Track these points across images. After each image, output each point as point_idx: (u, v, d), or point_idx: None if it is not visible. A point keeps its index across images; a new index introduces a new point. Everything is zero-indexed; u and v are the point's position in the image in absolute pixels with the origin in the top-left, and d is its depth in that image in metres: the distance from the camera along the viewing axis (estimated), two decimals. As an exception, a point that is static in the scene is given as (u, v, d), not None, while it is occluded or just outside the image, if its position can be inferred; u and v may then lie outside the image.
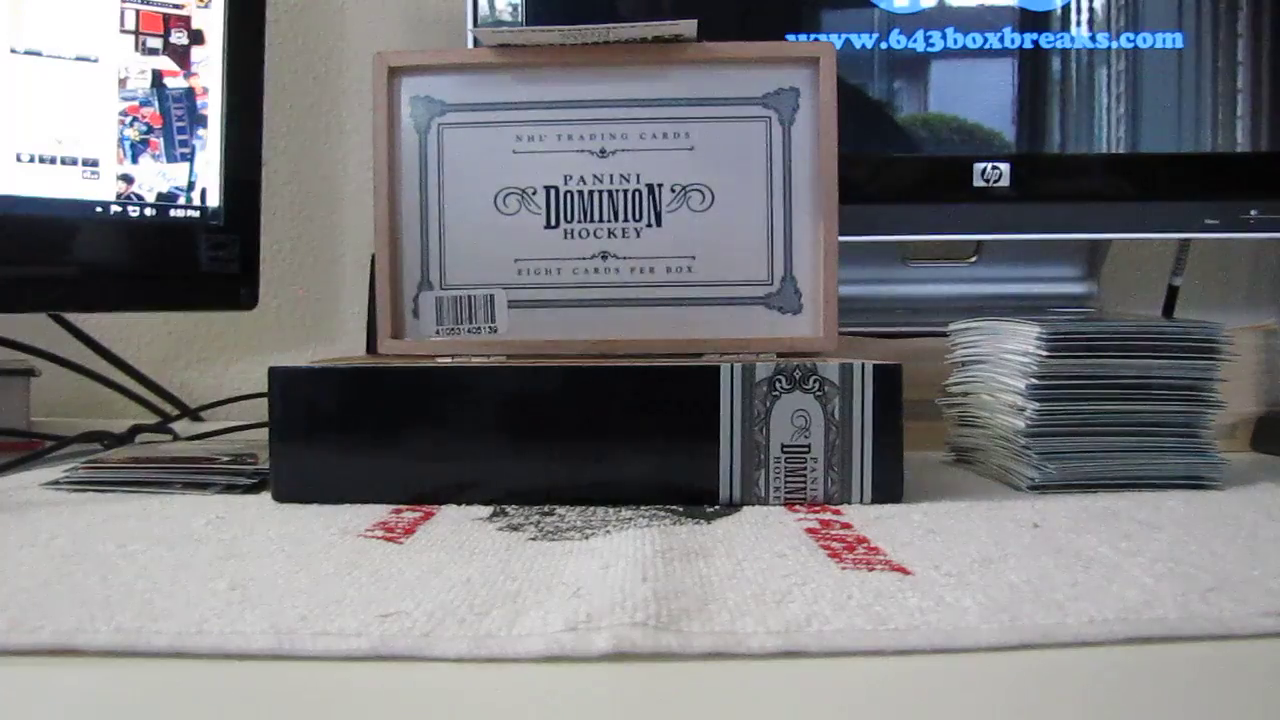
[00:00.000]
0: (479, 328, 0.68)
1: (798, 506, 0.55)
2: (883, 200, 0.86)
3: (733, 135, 0.67)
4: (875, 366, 0.55)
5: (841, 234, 0.66)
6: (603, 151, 0.67)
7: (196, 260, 0.84)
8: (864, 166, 0.86)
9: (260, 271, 0.89)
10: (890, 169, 0.89)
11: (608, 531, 0.48)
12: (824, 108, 0.66)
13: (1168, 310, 0.95)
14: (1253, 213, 0.84)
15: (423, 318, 0.68)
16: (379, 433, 0.56)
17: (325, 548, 0.46)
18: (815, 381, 0.55)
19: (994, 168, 0.86)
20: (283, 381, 0.56)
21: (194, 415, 0.95)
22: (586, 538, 0.47)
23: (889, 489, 0.55)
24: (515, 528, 0.49)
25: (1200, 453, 0.62)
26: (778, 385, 0.55)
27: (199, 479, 0.61)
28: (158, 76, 0.81)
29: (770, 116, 0.66)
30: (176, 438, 0.81)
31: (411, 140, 0.67)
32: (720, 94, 0.67)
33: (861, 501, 0.55)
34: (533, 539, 0.47)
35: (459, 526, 0.50)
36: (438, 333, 0.68)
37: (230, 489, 0.60)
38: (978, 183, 0.86)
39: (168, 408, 0.96)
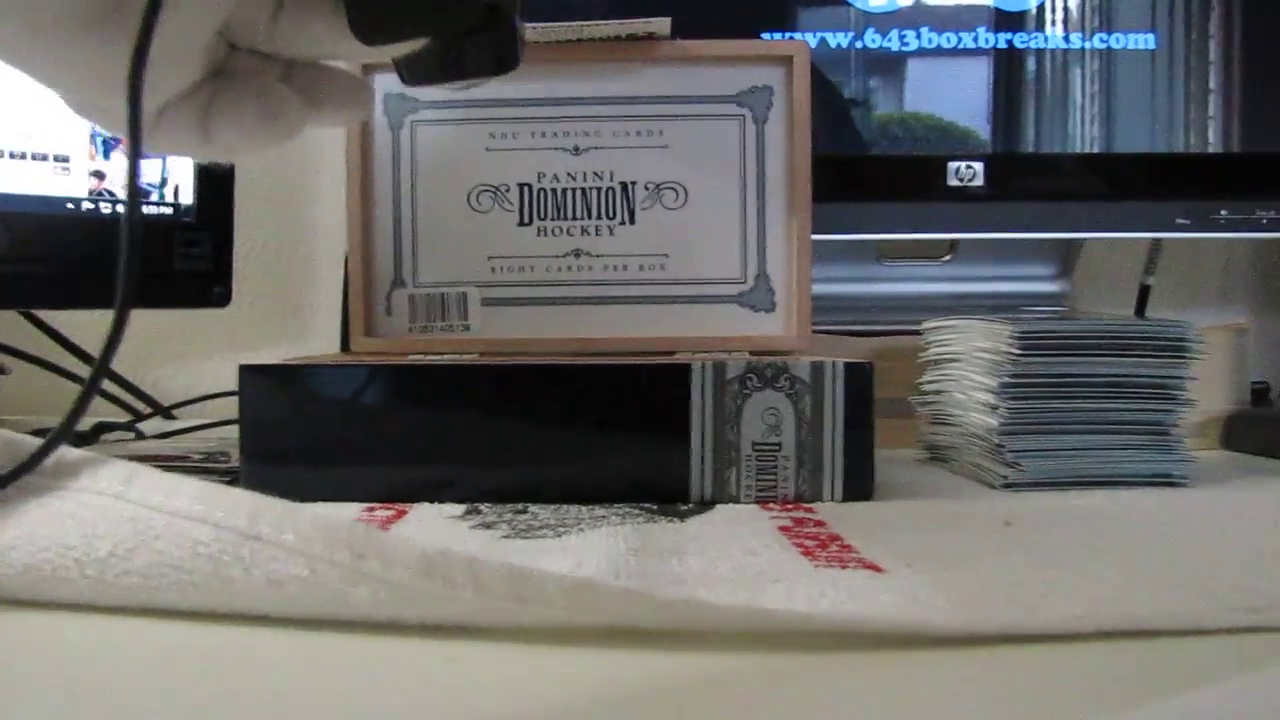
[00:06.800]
0: (452, 325, 0.67)
1: (771, 504, 0.55)
2: (857, 198, 0.87)
3: (706, 133, 0.67)
4: (846, 364, 0.55)
5: (816, 232, 0.67)
6: (576, 149, 0.67)
7: (169, 258, 0.84)
8: (838, 164, 0.86)
9: (234, 269, 0.88)
10: (865, 167, 0.89)
11: (581, 530, 0.48)
12: (797, 106, 0.66)
13: (1140, 309, 0.96)
14: (1223, 213, 0.85)
15: (396, 315, 0.68)
16: (351, 431, 0.55)
17: (296, 546, 0.45)
18: (786, 380, 0.55)
19: (968, 167, 0.86)
20: (254, 379, 0.56)
21: (166, 413, 0.95)
22: (560, 536, 0.47)
23: (860, 487, 0.55)
24: (488, 526, 0.49)
25: (1171, 451, 0.62)
26: (749, 383, 0.55)
27: (170, 477, 0.60)
28: (129, 72, 0.81)
29: (744, 115, 0.67)
30: (140, 436, 0.81)
31: (384, 137, 0.67)
32: (694, 92, 0.67)
33: (833, 499, 0.55)
34: (506, 537, 0.47)
35: (432, 525, 0.50)
36: (411, 330, 0.68)
37: (201, 487, 0.60)
38: (952, 182, 0.86)
39: (140, 405, 0.95)
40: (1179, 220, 0.85)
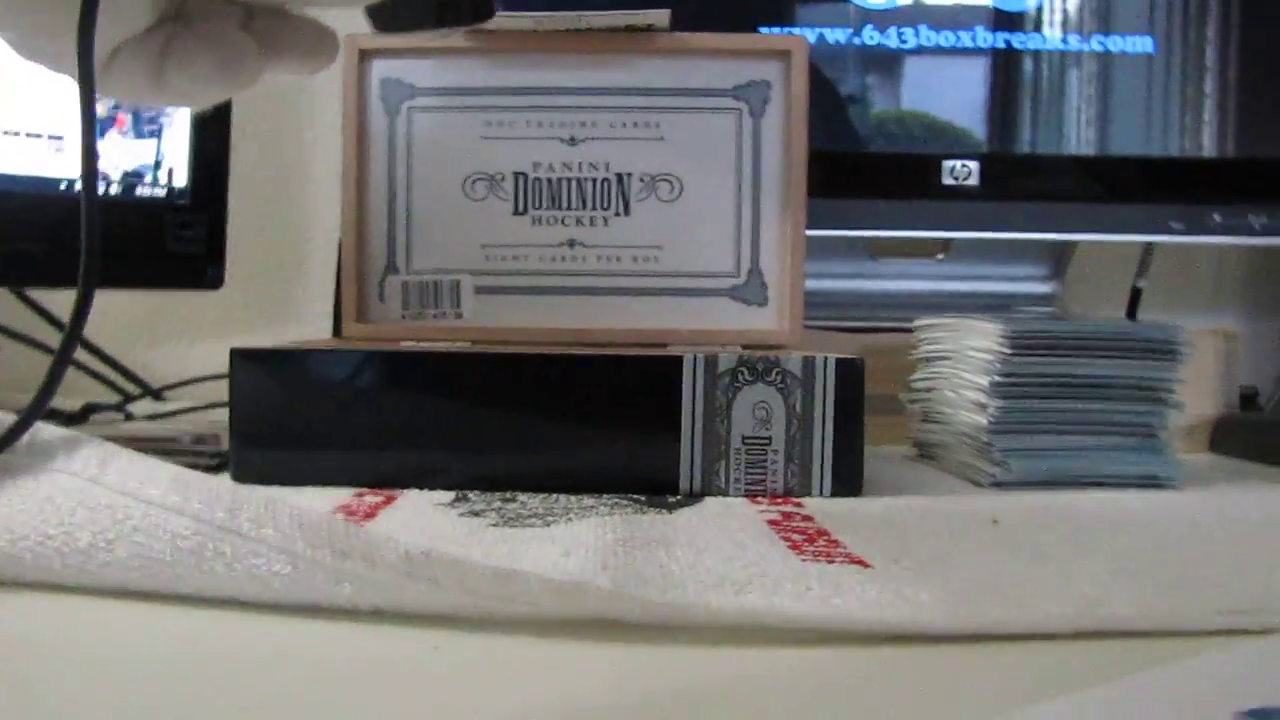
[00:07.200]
0: (444, 313, 0.67)
1: (760, 498, 0.55)
2: (852, 195, 0.87)
3: (702, 126, 0.67)
4: (837, 360, 0.55)
5: (810, 228, 0.67)
6: (572, 139, 0.67)
7: (162, 239, 0.84)
8: (834, 160, 0.86)
9: (226, 252, 0.88)
10: (861, 164, 0.89)
11: (569, 519, 0.48)
12: (794, 101, 0.66)
13: (1131, 312, 0.96)
14: (1216, 217, 0.85)
15: (388, 302, 0.68)
16: (341, 416, 0.55)
17: (284, 530, 0.45)
18: (777, 374, 0.55)
19: (963, 166, 0.86)
20: (244, 362, 0.56)
21: (156, 395, 0.95)
22: (548, 525, 0.47)
23: (848, 482, 0.56)
24: (477, 513, 0.49)
25: (1158, 453, 0.62)
26: (740, 377, 0.55)
27: (158, 459, 0.60)
28: (125, 52, 0.80)
29: (740, 108, 0.67)
30: (129, 418, 0.80)
31: (380, 123, 0.67)
32: (691, 85, 0.67)
33: (821, 494, 0.55)
34: (494, 525, 0.47)
35: (420, 511, 0.50)
36: (403, 317, 0.68)
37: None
38: (947, 180, 0.86)
39: (130, 387, 0.95)
40: (1172, 224, 0.86)
